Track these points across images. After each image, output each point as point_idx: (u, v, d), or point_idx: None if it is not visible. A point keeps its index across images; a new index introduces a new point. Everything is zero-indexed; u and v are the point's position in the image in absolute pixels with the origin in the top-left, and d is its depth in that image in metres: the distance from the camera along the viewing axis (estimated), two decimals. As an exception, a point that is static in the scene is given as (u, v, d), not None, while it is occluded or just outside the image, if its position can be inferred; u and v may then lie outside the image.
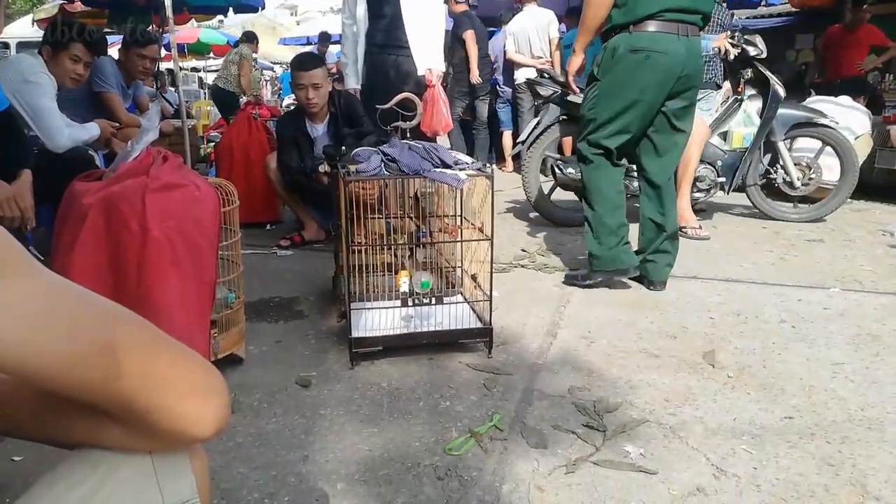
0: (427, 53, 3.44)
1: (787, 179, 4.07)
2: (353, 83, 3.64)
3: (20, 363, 0.53)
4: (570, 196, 4.09)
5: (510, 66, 6.50)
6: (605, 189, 2.65)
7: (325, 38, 10.24)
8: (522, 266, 3.09)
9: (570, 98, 3.58)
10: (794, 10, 8.74)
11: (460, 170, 2.03)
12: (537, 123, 3.98)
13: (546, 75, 4.00)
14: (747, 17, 9.28)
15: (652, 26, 2.42)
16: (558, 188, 4.07)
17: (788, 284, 2.79)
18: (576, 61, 2.70)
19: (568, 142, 5.03)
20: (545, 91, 3.90)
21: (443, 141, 4.49)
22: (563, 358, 2.05)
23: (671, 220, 2.66)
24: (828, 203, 4.10)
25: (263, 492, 1.36)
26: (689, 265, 3.07)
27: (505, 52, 6.46)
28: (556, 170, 3.89)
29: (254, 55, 8.23)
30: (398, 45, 3.43)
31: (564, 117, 3.89)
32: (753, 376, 1.91)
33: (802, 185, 4.09)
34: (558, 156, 4.14)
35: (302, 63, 3.40)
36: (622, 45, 2.47)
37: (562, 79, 3.51)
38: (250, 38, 8.22)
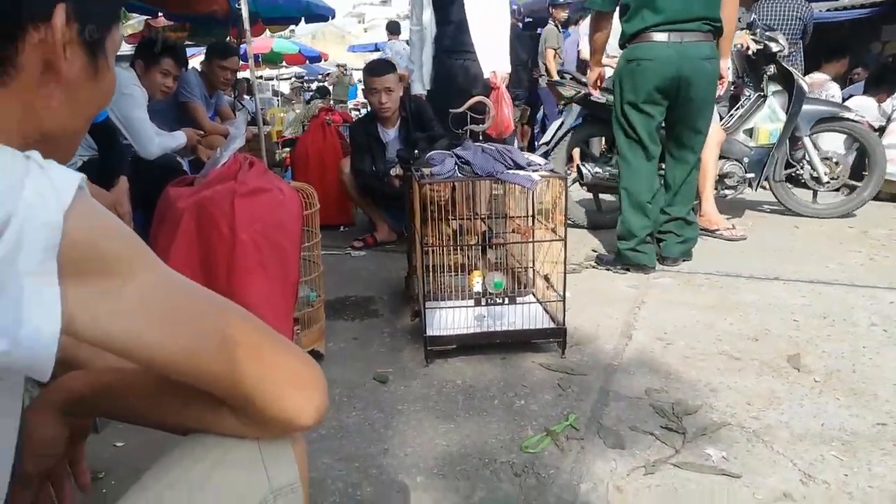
0: (492, 55, 3.46)
1: (815, 175, 3.99)
2: (420, 88, 3.69)
3: (150, 354, 0.58)
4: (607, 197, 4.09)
5: (583, 67, 6.42)
6: (632, 191, 2.93)
7: (393, 29, 10.30)
8: (594, 266, 3.06)
9: (594, 98, 3.57)
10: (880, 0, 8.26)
11: (533, 171, 2.04)
12: (561, 124, 3.95)
13: (568, 76, 3.96)
14: (828, 10, 8.80)
15: (645, 38, 2.79)
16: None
17: (879, 286, 2.65)
18: (592, 75, 3.32)
19: (593, 142, 4.96)
20: (567, 91, 3.85)
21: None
22: (639, 359, 2.03)
23: (677, 208, 3.02)
24: (856, 198, 4.00)
25: (347, 482, 1.42)
26: (769, 266, 2.97)
27: (579, 53, 6.40)
28: (583, 169, 3.85)
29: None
30: (465, 50, 3.45)
31: (588, 117, 3.83)
32: (842, 381, 1.83)
33: (831, 178, 4.00)
34: (581, 156, 4.15)
35: (374, 69, 3.48)
36: (623, 58, 2.91)
37: (584, 79, 3.63)
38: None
